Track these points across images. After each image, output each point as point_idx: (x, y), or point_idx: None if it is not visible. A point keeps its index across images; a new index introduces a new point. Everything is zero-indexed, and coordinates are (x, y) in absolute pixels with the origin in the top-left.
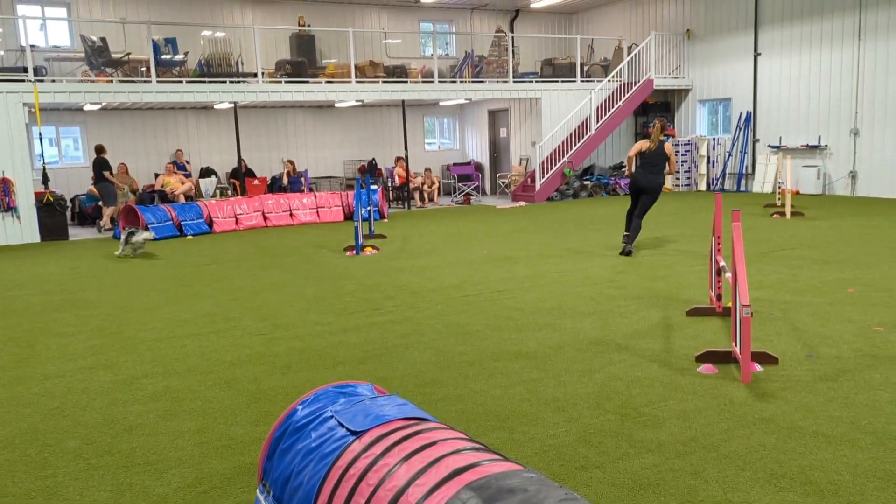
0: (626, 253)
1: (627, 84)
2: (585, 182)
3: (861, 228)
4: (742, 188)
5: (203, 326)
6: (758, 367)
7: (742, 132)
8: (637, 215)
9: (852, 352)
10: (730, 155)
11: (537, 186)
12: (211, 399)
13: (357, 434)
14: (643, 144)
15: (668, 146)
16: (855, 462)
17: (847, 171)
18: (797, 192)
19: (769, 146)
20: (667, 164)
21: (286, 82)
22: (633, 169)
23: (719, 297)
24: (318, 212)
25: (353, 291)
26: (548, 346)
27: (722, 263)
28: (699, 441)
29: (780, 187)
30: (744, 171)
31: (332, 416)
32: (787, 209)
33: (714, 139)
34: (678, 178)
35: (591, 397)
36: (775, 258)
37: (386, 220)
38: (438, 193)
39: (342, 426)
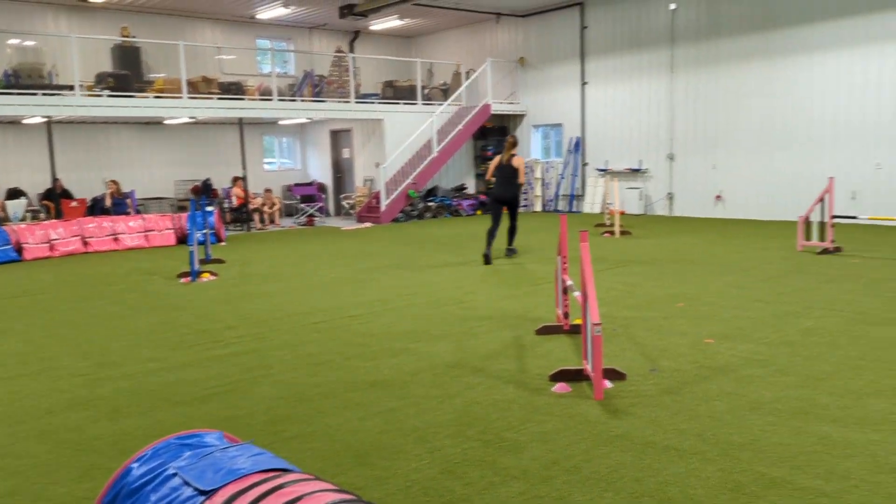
0: (509, 254)
1: (466, 108)
2: (429, 203)
3: (681, 245)
4: (574, 209)
5: (11, 368)
6: (608, 384)
7: (572, 156)
8: (511, 221)
9: (689, 364)
10: (562, 177)
11: (382, 207)
12: (23, 454)
13: (207, 494)
14: (497, 161)
15: (518, 159)
16: (706, 475)
17: (665, 193)
18: (623, 212)
19: (597, 169)
20: (518, 175)
21: (108, 96)
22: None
23: (566, 316)
24: (146, 236)
25: (190, 322)
26: (404, 373)
27: (569, 282)
28: (561, 464)
29: (608, 208)
30: (575, 193)
31: (175, 474)
32: (617, 228)
33: (548, 162)
34: None
35: (451, 424)
36: (611, 275)
37: (224, 244)
38: (280, 215)
39: (188, 485)
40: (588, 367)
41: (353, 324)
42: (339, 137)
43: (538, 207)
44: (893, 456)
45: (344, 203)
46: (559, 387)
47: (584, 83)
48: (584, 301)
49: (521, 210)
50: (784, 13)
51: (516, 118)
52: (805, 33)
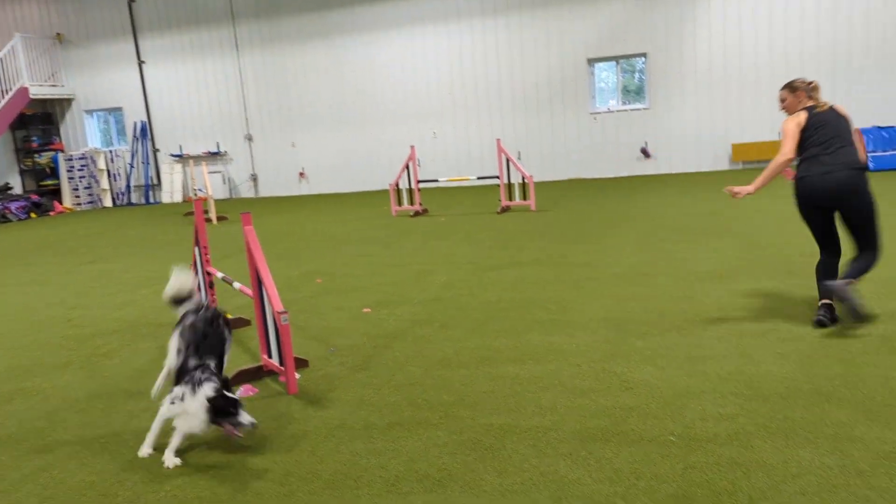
0: (858, 316)
1: None
2: None
3: (284, 225)
4: (151, 200)
5: None
6: (296, 375)
7: (140, 143)
8: (863, 240)
9: (362, 336)
10: (132, 167)
11: None
12: None
13: None
14: (800, 118)
15: (844, 108)
16: (442, 441)
17: (248, 175)
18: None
19: (171, 155)
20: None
21: None
22: (799, 170)
23: None
24: None
25: None
26: (35, 419)
27: (219, 274)
28: (297, 474)
29: (197, 194)
30: (150, 183)
31: None
32: (213, 215)
33: (112, 151)
34: (79, 196)
35: (144, 465)
36: (231, 263)
37: None
38: None
39: None
40: (271, 361)
41: None
42: None
43: (108, 202)
44: (576, 380)
45: None
46: (244, 390)
47: (141, 62)
48: (257, 290)
49: (86, 208)
50: None
51: (63, 102)
52: (361, 14)
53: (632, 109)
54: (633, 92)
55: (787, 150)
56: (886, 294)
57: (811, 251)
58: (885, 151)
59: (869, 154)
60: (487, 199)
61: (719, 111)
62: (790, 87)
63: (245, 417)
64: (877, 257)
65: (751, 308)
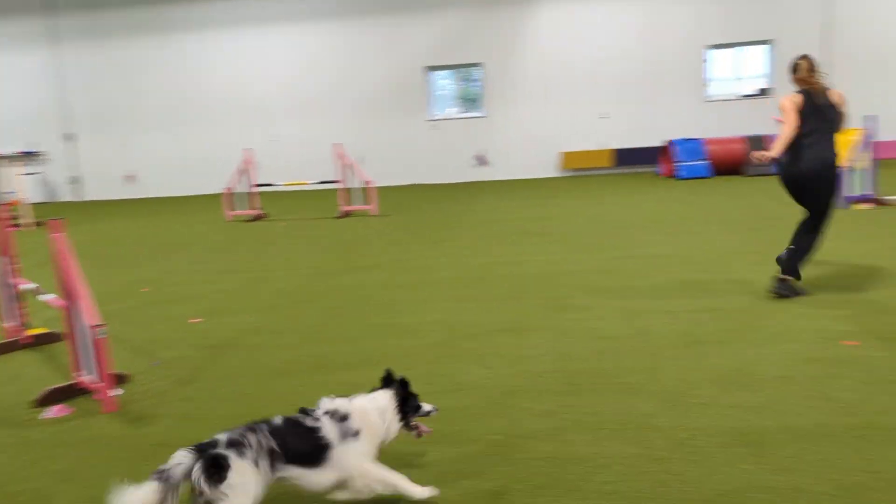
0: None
1: None
2: None
3: (107, 231)
4: None
5: None
6: (116, 391)
7: None
8: (813, 220)
9: (189, 348)
10: None
11: None
12: None
13: None
14: (797, 99)
15: (839, 93)
16: None
17: (69, 177)
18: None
19: None
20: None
21: None
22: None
23: (25, 327)
24: None
25: None
26: None
27: (31, 285)
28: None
29: (9, 198)
30: None
31: None
32: (29, 220)
33: None
34: None
35: None
36: (45, 272)
37: None
38: None
39: None
40: (84, 379)
41: None
42: None
43: None
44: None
45: None
46: (56, 410)
47: None
48: (69, 304)
49: None
50: None
51: None
52: (196, 11)
53: (469, 117)
54: (471, 101)
55: (791, 123)
56: (688, 292)
57: (625, 255)
58: (692, 161)
59: (677, 164)
60: (328, 204)
61: (550, 121)
62: (791, 66)
63: (427, 405)
64: (815, 242)
65: (573, 307)
